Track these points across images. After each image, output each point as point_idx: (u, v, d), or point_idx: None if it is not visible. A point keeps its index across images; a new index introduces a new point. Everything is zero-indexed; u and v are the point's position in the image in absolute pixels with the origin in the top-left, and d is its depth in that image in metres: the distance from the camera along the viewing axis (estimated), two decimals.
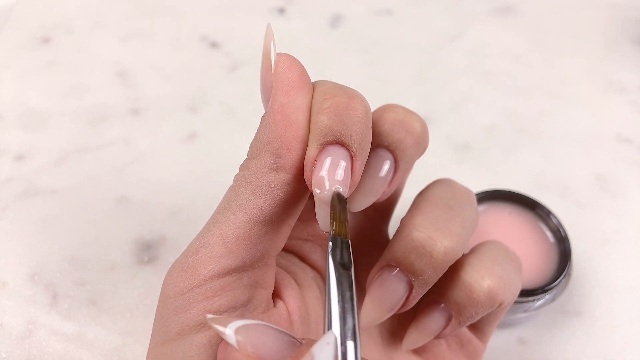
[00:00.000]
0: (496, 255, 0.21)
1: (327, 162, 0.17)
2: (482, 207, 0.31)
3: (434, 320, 0.21)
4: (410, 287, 0.19)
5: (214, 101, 0.42)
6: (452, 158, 0.39)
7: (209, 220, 0.18)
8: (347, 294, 0.15)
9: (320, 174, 0.17)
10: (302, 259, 0.23)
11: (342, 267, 0.15)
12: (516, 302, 0.28)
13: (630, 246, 0.34)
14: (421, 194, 0.22)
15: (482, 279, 0.20)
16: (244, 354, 0.15)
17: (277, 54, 0.17)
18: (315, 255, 0.23)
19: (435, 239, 0.19)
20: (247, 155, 0.18)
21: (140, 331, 0.31)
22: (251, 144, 0.18)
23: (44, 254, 0.34)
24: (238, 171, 0.19)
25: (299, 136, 0.17)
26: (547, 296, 0.28)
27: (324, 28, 0.48)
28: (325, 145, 0.17)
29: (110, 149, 0.39)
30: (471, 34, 0.48)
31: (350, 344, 0.14)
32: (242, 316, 0.18)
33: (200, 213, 0.35)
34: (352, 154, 0.17)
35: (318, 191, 0.17)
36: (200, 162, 0.39)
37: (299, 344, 0.15)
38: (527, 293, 0.27)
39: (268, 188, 0.17)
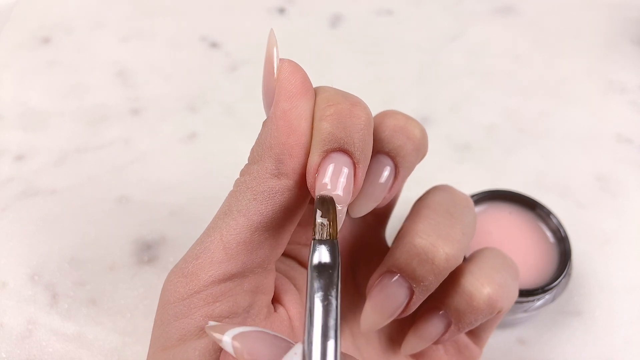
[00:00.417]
0: (495, 262, 0.22)
1: (330, 169, 0.17)
2: (482, 207, 0.31)
3: (433, 326, 0.21)
4: (411, 293, 0.20)
5: (214, 101, 0.42)
6: (452, 158, 0.39)
7: (209, 225, 0.18)
8: (328, 294, 0.15)
9: (323, 181, 0.17)
10: (301, 263, 0.23)
11: (324, 267, 0.15)
12: (516, 302, 0.28)
13: (630, 246, 0.34)
14: (421, 200, 0.22)
15: (482, 287, 0.20)
16: None
17: (280, 59, 0.17)
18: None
19: (437, 245, 0.19)
20: (248, 160, 0.18)
21: (140, 331, 0.31)
22: (252, 149, 0.18)
23: (44, 254, 0.34)
24: (238, 174, 0.19)
25: (302, 143, 0.17)
26: (547, 296, 0.28)
27: (324, 28, 0.48)
28: (328, 152, 0.17)
29: (110, 149, 0.39)
30: (471, 34, 0.48)
31: (330, 344, 0.14)
32: (244, 323, 0.18)
33: (200, 213, 0.35)
34: (355, 161, 0.17)
35: None
36: (200, 162, 0.39)
37: None
38: (527, 293, 0.27)
39: (269, 194, 0.17)
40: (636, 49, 0.46)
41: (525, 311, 0.29)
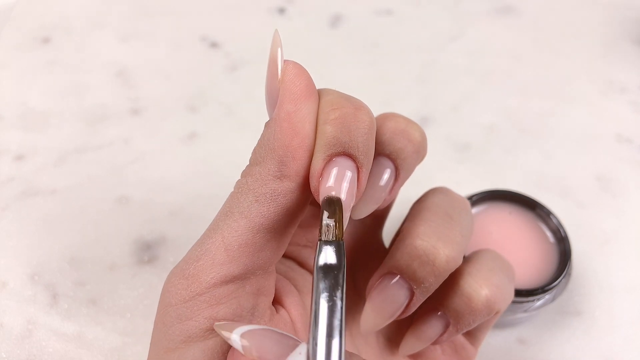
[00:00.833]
0: (492, 264, 0.22)
1: (334, 173, 0.17)
2: (482, 207, 0.31)
3: (431, 327, 0.21)
4: (412, 295, 0.20)
5: (214, 101, 0.42)
6: (452, 158, 0.39)
7: (210, 226, 0.18)
8: (333, 294, 0.15)
9: (327, 185, 0.17)
10: (301, 264, 0.23)
11: (330, 267, 0.15)
12: (516, 302, 0.28)
13: (630, 246, 0.34)
14: (419, 202, 0.22)
15: (481, 289, 0.21)
16: (250, 359, 0.15)
17: (285, 60, 0.17)
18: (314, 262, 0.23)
19: (438, 247, 0.19)
20: (250, 161, 0.18)
21: (140, 331, 0.31)
22: (254, 151, 0.18)
23: (44, 254, 0.34)
24: (238, 174, 0.19)
25: (305, 145, 0.17)
26: (547, 296, 0.28)
27: (324, 28, 0.48)
28: (332, 156, 0.17)
29: (110, 149, 0.39)
30: (471, 34, 0.48)
31: (335, 343, 0.14)
32: (250, 323, 0.18)
33: (200, 213, 0.35)
34: (359, 165, 0.17)
35: None
36: (200, 162, 0.39)
37: None
38: (527, 293, 0.27)
39: (272, 196, 0.17)
40: (636, 49, 0.46)
41: (525, 311, 0.29)
